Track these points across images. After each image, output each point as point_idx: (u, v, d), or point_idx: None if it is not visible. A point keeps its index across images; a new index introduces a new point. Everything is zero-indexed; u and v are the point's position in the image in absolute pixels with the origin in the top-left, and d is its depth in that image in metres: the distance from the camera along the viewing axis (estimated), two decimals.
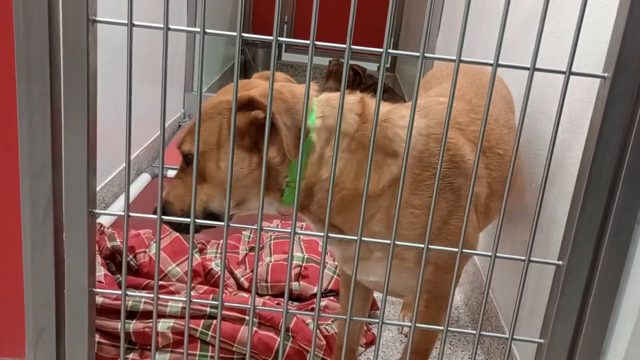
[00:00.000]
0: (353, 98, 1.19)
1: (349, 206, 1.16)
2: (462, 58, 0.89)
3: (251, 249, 2.23)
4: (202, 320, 1.73)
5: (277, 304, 1.92)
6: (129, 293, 1.08)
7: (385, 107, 1.20)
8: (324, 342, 1.76)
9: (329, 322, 1.85)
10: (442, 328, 1.04)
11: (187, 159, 1.19)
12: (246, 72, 5.22)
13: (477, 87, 1.49)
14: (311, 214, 1.19)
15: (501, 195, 1.33)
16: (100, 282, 1.82)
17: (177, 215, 1.19)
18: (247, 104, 1.09)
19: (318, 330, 1.78)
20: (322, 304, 1.94)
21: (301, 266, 2.02)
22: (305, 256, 2.06)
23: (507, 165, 1.36)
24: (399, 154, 1.16)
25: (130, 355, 1.68)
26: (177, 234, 2.09)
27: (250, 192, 1.15)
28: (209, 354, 1.71)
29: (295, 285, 1.96)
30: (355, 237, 1.00)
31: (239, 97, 1.07)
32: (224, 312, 1.73)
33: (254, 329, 1.75)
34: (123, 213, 0.99)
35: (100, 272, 1.86)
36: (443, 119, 1.19)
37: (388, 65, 5.79)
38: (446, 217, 1.18)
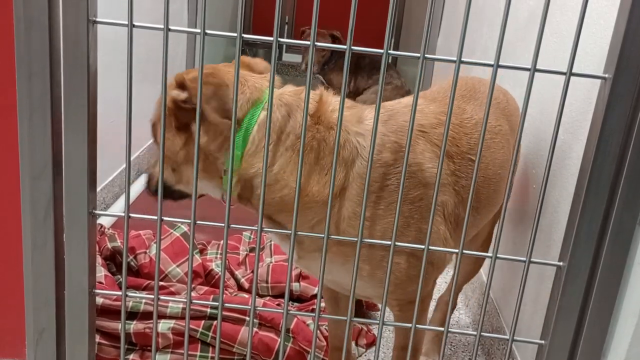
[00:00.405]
0: (311, 97, 1.15)
1: (293, 207, 1.14)
2: (462, 59, 0.89)
3: (252, 250, 2.23)
4: (203, 321, 1.73)
5: (278, 304, 1.92)
6: (130, 294, 1.08)
7: (345, 110, 1.16)
8: (325, 343, 1.76)
9: None
10: (442, 329, 1.04)
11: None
12: None
13: (464, 90, 1.43)
14: (254, 207, 1.15)
15: (484, 203, 1.32)
16: (100, 282, 1.82)
17: (155, 184, 1.25)
18: (180, 85, 1.09)
19: (318, 331, 1.78)
20: (323, 304, 1.94)
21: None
22: None
23: (483, 172, 1.29)
24: (348, 161, 1.11)
25: (131, 356, 1.68)
26: (177, 234, 2.09)
27: (186, 170, 1.15)
28: (210, 354, 1.71)
29: (295, 286, 1.96)
30: (355, 239, 1.00)
31: (175, 78, 1.09)
32: (225, 312, 1.73)
33: (255, 329, 1.75)
34: (123, 214, 0.99)
35: (101, 272, 1.86)
36: (404, 124, 1.16)
37: (389, 61, 5.77)
38: (402, 229, 1.13)
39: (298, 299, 1.98)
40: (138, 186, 2.82)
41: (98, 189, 2.31)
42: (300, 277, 2.00)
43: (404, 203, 1.12)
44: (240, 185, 1.13)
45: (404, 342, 1.34)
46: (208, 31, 0.90)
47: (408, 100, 1.28)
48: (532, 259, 0.99)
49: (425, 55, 0.89)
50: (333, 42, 4.08)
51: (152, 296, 1.04)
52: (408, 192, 1.14)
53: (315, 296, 1.97)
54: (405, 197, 1.13)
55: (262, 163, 1.07)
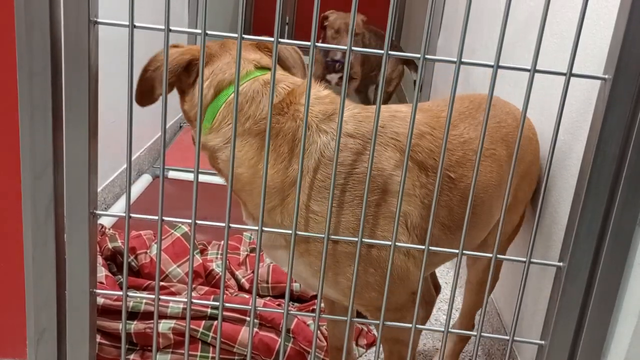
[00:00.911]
0: (284, 86, 1.17)
1: (250, 187, 1.15)
2: (462, 60, 0.89)
3: (252, 250, 2.23)
4: (203, 321, 1.73)
5: (278, 304, 1.93)
6: (130, 294, 1.08)
7: (319, 105, 1.16)
8: (325, 343, 1.76)
9: None
10: (442, 329, 1.05)
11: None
12: None
13: (466, 107, 1.37)
14: (222, 175, 1.21)
15: (458, 224, 1.26)
16: (101, 283, 1.82)
17: None
18: (189, 63, 1.17)
19: (319, 331, 1.78)
20: (323, 305, 1.94)
21: None
22: None
23: (461, 192, 1.25)
24: (309, 155, 1.12)
25: (131, 356, 1.68)
26: (178, 234, 2.09)
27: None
28: (210, 354, 1.71)
29: (296, 286, 1.96)
30: (356, 239, 1.01)
31: (184, 51, 1.17)
32: (225, 313, 1.73)
33: (255, 330, 1.75)
34: (124, 214, 1.00)
35: (102, 273, 1.86)
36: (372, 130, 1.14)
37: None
38: (353, 231, 1.12)
39: (298, 299, 1.98)
40: (139, 186, 2.83)
41: (99, 189, 2.31)
42: None
43: (357, 205, 1.12)
44: (207, 154, 1.19)
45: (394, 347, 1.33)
46: (209, 32, 0.90)
47: (398, 107, 1.27)
48: (532, 260, 0.99)
49: (426, 56, 0.89)
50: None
51: (153, 296, 1.04)
52: (362, 195, 1.11)
53: (315, 296, 1.97)
54: (359, 199, 1.12)
55: (220, 140, 1.15)
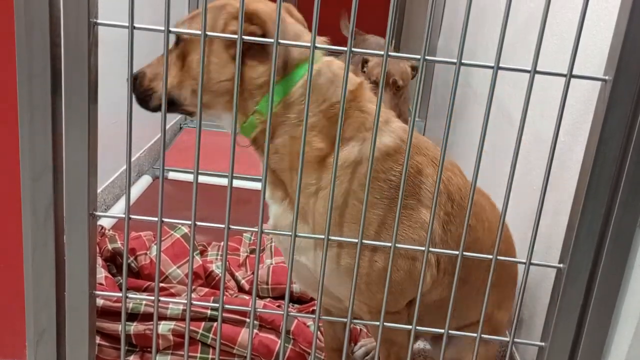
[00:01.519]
0: (354, 77, 1.19)
1: (298, 164, 1.15)
2: (463, 61, 0.89)
3: (252, 251, 2.22)
4: (203, 323, 1.73)
5: (278, 306, 1.92)
6: (130, 295, 1.08)
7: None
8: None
9: None
10: (442, 331, 1.04)
11: (177, 40, 1.21)
12: None
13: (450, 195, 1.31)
14: (263, 154, 1.14)
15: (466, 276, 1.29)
16: (100, 284, 1.82)
17: (143, 87, 1.21)
18: (249, 17, 1.09)
19: (319, 333, 1.78)
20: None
21: None
22: None
23: (471, 240, 1.29)
24: (366, 140, 1.15)
25: (131, 357, 1.68)
26: (178, 236, 2.09)
27: (216, 99, 1.15)
28: (210, 356, 1.71)
29: (295, 287, 1.96)
30: (356, 240, 1.01)
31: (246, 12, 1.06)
32: (225, 314, 1.73)
33: (255, 331, 1.75)
34: (124, 215, 0.99)
35: (101, 274, 1.86)
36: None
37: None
38: (378, 228, 1.16)
39: (298, 300, 1.98)
40: (139, 187, 2.83)
41: (98, 190, 2.31)
42: None
43: (392, 207, 1.16)
44: (260, 129, 1.15)
45: (385, 336, 1.33)
46: (208, 33, 0.90)
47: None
48: (532, 261, 0.99)
49: (426, 57, 0.89)
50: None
51: (153, 297, 1.04)
52: (385, 197, 1.16)
53: (315, 298, 1.97)
54: (394, 201, 1.15)
55: (295, 116, 1.12)
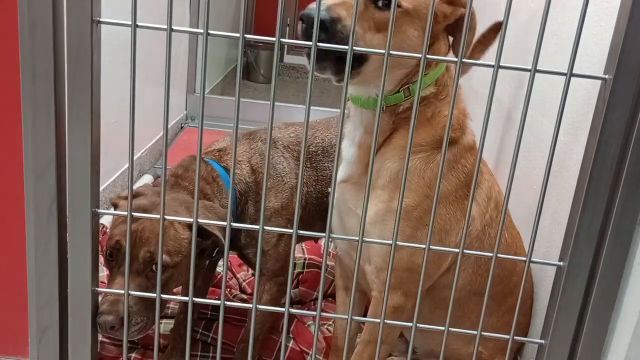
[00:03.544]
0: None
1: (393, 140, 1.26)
2: (463, 60, 0.90)
3: None
4: (204, 322, 1.73)
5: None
6: (132, 293, 1.08)
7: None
8: (324, 345, 1.76)
9: (330, 322, 1.85)
10: (443, 328, 1.05)
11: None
12: (248, 74, 5.21)
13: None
14: (367, 88, 1.21)
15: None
16: (103, 282, 1.82)
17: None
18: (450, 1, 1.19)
19: (319, 333, 1.79)
20: (323, 305, 1.94)
21: (302, 272, 2.03)
22: (307, 259, 2.06)
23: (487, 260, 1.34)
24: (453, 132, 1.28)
25: (133, 355, 1.68)
26: None
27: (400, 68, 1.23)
28: (210, 354, 1.71)
29: (294, 292, 1.97)
30: (356, 238, 1.01)
31: None
32: (226, 314, 1.73)
33: None
34: (126, 213, 1.00)
35: (103, 272, 1.86)
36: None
37: None
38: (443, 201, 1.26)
39: (298, 302, 1.98)
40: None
41: (101, 189, 2.31)
42: (300, 282, 2.00)
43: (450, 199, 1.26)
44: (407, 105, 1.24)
45: (370, 337, 1.35)
46: (211, 31, 0.90)
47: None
48: (532, 259, 1.00)
49: (427, 56, 0.90)
50: None
51: (155, 295, 1.04)
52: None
53: (314, 300, 1.98)
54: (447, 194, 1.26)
55: (446, 90, 1.28)
